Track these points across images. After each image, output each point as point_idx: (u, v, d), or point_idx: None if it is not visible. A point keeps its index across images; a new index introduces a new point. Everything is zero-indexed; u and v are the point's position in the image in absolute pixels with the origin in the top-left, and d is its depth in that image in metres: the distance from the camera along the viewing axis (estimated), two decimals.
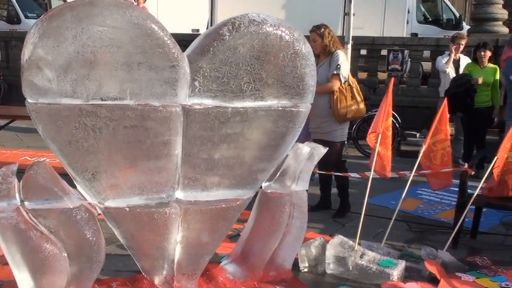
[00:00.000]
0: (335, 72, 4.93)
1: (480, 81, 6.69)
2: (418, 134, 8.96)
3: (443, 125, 4.55)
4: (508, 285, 3.86)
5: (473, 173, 4.74)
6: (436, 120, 4.52)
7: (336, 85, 4.96)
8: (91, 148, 2.79)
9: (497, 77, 6.91)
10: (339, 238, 4.10)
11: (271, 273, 3.55)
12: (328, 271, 3.95)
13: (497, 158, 4.33)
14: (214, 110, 2.99)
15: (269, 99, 3.10)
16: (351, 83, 5.07)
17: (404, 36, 12.41)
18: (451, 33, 10.03)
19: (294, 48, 3.06)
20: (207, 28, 9.74)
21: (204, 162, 3.07)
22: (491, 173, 4.39)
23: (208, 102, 2.97)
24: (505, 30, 10.48)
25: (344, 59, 5.07)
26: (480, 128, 6.95)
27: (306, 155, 3.48)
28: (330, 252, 3.97)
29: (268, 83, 3.07)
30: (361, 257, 3.95)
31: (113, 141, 2.83)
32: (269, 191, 3.47)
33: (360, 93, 5.16)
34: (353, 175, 4.93)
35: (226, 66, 2.94)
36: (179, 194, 3.09)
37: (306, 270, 3.95)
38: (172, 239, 3.12)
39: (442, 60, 7.74)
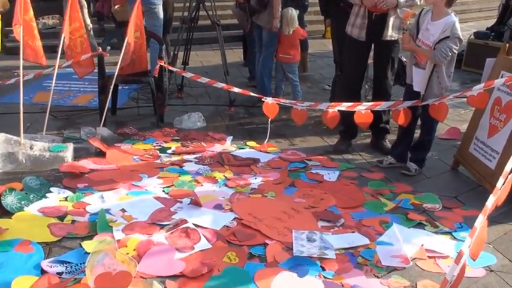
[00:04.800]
0: None
1: None
2: None
3: (76, 13, 4.74)
4: (158, 143, 4.64)
5: (108, 55, 5.14)
6: (68, 9, 4.66)
7: None
8: None
9: None
10: (1, 136, 4.04)
11: None
12: None
13: (127, 42, 4.81)
14: None
15: None
16: None
17: None
18: None
19: None
20: None
21: None
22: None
23: None
24: None
25: None
26: None
27: None
28: None
29: None
30: (30, 148, 4.05)
31: None
32: None
33: None
34: None
35: None
36: None
37: None
38: None
39: None
